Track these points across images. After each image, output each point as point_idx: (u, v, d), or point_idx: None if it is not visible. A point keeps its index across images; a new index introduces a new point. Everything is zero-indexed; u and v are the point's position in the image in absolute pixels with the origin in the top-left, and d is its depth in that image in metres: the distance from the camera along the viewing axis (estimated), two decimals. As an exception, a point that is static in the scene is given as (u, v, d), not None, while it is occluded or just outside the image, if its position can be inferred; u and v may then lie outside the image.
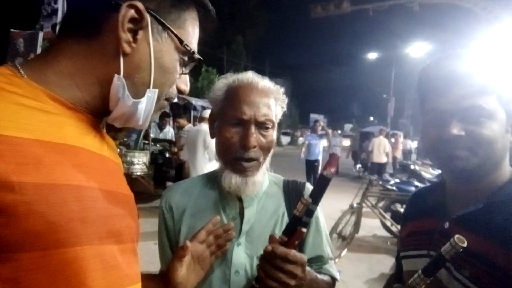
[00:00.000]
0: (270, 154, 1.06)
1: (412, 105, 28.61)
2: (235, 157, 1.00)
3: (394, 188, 5.65)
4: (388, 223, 5.23)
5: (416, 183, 6.05)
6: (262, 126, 1.01)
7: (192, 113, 10.12)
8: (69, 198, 0.53)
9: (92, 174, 0.59)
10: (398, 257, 1.06)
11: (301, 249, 1.08)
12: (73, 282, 0.52)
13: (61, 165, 0.54)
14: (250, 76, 1.05)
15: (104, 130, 0.72)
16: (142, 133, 6.77)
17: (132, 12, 0.59)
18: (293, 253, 0.85)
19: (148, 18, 0.61)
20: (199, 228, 1.02)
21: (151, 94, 0.65)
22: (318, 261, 1.11)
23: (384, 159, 10.77)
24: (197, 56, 0.71)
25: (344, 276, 4.31)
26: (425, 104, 0.90)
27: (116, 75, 0.61)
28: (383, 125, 23.67)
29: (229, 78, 1.07)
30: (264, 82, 1.05)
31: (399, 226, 5.05)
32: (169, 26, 0.64)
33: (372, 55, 25.66)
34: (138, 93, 0.64)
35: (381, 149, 10.81)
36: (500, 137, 0.81)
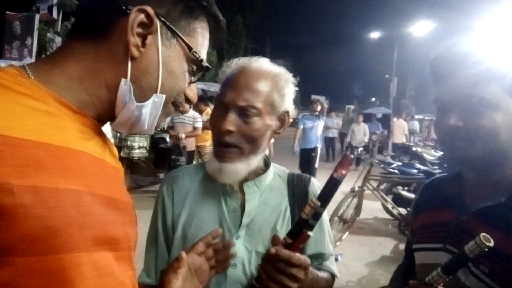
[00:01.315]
0: (263, 145, 1.00)
1: (415, 85, 28.39)
2: (216, 141, 0.99)
3: (396, 171, 5.64)
4: (390, 206, 5.25)
5: (418, 165, 6.05)
6: (243, 111, 0.94)
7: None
8: (69, 203, 0.52)
9: (93, 179, 0.58)
10: (409, 249, 1.04)
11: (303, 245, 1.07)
12: None
13: (62, 169, 0.53)
14: (247, 59, 1.01)
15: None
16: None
17: (142, 16, 0.60)
18: (297, 256, 0.83)
19: (158, 23, 0.62)
20: (199, 216, 1.01)
21: (158, 99, 0.65)
22: (319, 257, 1.08)
23: (403, 140, 11.75)
24: (205, 64, 0.71)
25: (345, 259, 4.35)
26: (436, 94, 0.88)
27: (123, 79, 0.61)
28: (385, 106, 23.52)
29: (236, 63, 1.03)
30: (258, 66, 0.99)
31: (400, 209, 5.08)
32: (178, 32, 0.65)
33: (374, 35, 25.29)
34: (144, 98, 0.64)
35: (401, 131, 11.90)
36: (504, 127, 0.78)
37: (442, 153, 7.74)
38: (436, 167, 6.08)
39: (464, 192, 0.91)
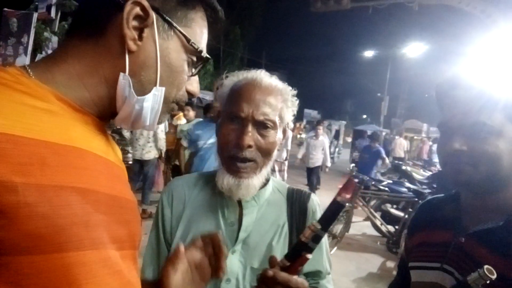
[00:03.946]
0: (272, 158, 1.00)
1: (406, 105, 28.81)
2: (230, 156, 0.96)
3: (386, 188, 5.68)
4: (378, 223, 5.26)
5: (408, 184, 6.10)
6: (261, 125, 0.95)
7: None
8: (73, 201, 0.52)
9: (97, 178, 0.58)
10: (404, 267, 1.05)
11: None
12: (73, 287, 0.50)
13: (66, 167, 0.53)
14: (256, 73, 1.02)
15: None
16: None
17: (137, 9, 0.59)
18: (295, 280, 0.81)
19: (154, 15, 0.61)
20: (195, 228, 0.99)
21: (158, 93, 0.64)
22: (315, 275, 1.07)
23: (402, 155, 13.87)
24: (205, 55, 0.70)
25: (333, 274, 4.29)
26: (441, 117, 0.91)
27: (121, 74, 0.61)
28: (376, 123, 23.82)
29: (237, 75, 1.03)
30: (269, 80, 1.01)
31: (389, 226, 5.10)
32: (175, 24, 0.64)
33: (368, 53, 25.67)
34: (144, 92, 0.63)
35: (401, 147, 14.02)
36: (506, 154, 0.81)
37: (430, 173, 7.87)
38: (425, 186, 6.15)
39: (462, 213, 0.93)
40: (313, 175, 8.01)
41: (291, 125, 1.08)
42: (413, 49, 19.87)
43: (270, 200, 1.06)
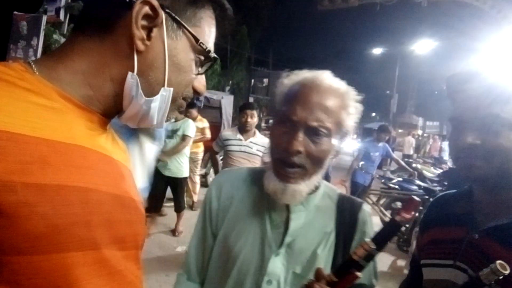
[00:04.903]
0: (325, 166, 0.94)
1: (415, 102, 28.55)
2: (278, 158, 0.92)
3: (396, 186, 5.63)
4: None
5: (418, 182, 6.04)
6: (313, 131, 0.89)
7: (196, 103, 10.04)
8: (75, 201, 0.51)
9: (100, 177, 0.57)
10: (416, 265, 1.03)
11: None
12: (74, 287, 0.50)
13: (68, 166, 0.52)
14: (317, 73, 0.95)
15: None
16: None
17: (146, 9, 0.58)
18: None
19: (163, 15, 0.60)
20: (241, 225, 0.98)
21: (166, 93, 0.63)
22: None
23: (411, 152, 15.28)
24: (213, 55, 0.68)
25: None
26: (452, 111, 0.89)
27: (129, 73, 0.60)
28: (385, 121, 23.64)
29: (298, 74, 0.98)
30: (330, 82, 0.93)
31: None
32: (184, 24, 0.63)
33: (377, 51, 25.51)
34: (152, 92, 0.62)
35: (410, 144, 15.62)
36: None
37: (441, 170, 7.77)
38: (435, 184, 6.07)
39: (474, 209, 0.91)
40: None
41: (352, 130, 0.99)
42: (422, 46, 19.71)
43: (319, 206, 1.01)
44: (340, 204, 1.03)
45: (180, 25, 0.62)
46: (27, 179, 0.46)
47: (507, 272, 0.66)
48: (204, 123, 5.96)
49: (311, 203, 1.00)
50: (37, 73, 0.56)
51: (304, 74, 0.97)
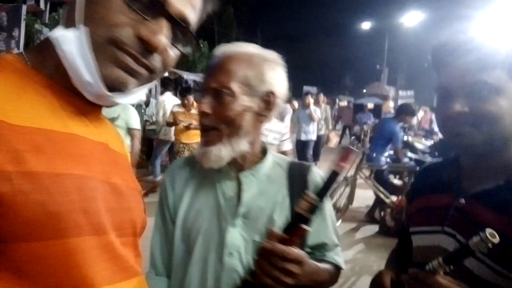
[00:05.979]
0: (242, 127, 0.96)
1: (405, 75, 28.50)
2: (200, 126, 1.00)
3: (388, 159, 5.69)
4: (381, 195, 5.30)
5: (409, 154, 6.10)
6: (216, 93, 0.95)
7: (191, 89, 9.90)
8: (71, 188, 0.52)
9: (95, 165, 0.57)
10: (405, 233, 1.05)
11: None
12: (76, 272, 0.51)
13: (62, 154, 0.52)
14: (234, 45, 1.01)
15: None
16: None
17: None
18: (292, 251, 0.81)
19: None
20: (197, 205, 1.01)
21: (79, 34, 0.54)
22: (321, 248, 1.07)
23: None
24: None
25: (339, 247, 4.41)
26: (438, 81, 0.89)
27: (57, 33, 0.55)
28: (377, 96, 23.61)
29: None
30: (235, 48, 0.99)
31: (393, 197, 5.14)
32: None
33: (365, 25, 25.31)
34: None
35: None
36: (508, 113, 0.79)
37: (432, 142, 7.84)
38: (426, 155, 6.14)
39: (461, 176, 0.92)
40: (305, 149, 7.46)
41: (282, 94, 1.02)
42: (411, 18, 19.54)
43: (270, 174, 1.05)
44: (290, 171, 1.07)
45: None
46: (21, 168, 0.47)
47: (496, 240, 0.66)
48: None
49: (261, 172, 1.04)
50: (29, 63, 0.57)
51: (222, 47, 1.02)
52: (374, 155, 5.33)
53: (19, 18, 6.42)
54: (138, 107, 6.46)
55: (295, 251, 0.82)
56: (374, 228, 5.13)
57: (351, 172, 5.05)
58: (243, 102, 0.96)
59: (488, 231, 0.67)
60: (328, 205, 1.10)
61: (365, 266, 3.96)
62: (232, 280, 0.94)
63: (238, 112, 0.95)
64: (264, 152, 1.09)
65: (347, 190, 4.98)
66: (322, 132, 8.45)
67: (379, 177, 5.38)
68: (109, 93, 0.57)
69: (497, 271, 0.77)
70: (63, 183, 0.51)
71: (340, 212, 4.93)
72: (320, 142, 8.02)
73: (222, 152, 0.96)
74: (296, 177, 1.06)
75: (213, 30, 17.21)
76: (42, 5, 7.11)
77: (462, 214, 0.87)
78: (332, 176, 0.79)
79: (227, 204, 1.01)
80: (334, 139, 7.65)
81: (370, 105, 17.08)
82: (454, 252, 0.75)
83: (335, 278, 1.07)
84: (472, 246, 0.69)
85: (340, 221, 4.91)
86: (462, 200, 0.87)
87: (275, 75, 1.00)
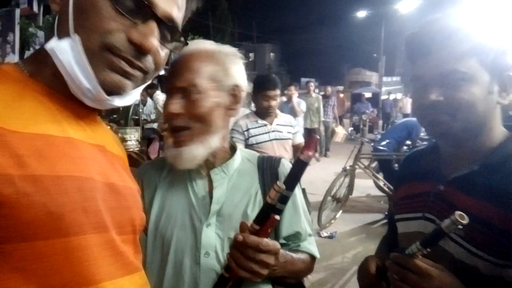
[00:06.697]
0: (213, 123, 0.96)
1: (403, 63, 28.38)
2: (169, 129, 0.98)
3: (385, 148, 5.71)
4: (381, 183, 5.34)
5: (408, 141, 6.12)
6: (185, 92, 0.93)
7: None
8: (71, 189, 0.54)
9: (93, 167, 0.60)
10: (392, 220, 1.09)
11: (277, 227, 1.03)
12: (79, 269, 0.54)
13: (62, 158, 0.55)
14: (195, 42, 1.00)
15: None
16: (131, 110, 6.64)
17: None
18: (266, 242, 0.81)
19: None
20: (168, 207, 0.99)
21: (71, 42, 0.57)
22: (295, 238, 1.07)
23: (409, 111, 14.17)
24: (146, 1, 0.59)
25: (340, 236, 4.46)
26: (412, 71, 0.91)
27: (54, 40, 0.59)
28: (375, 85, 23.50)
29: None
30: (196, 46, 0.98)
31: (391, 185, 5.17)
32: None
33: (361, 13, 25.09)
34: None
35: (408, 105, 14.60)
36: (481, 100, 0.82)
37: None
38: (425, 142, 6.17)
39: (441, 163, 0.95)
40: None
41: (246, 87, 1.03)
42: (406, 4, 19.41)
43: (240, 170, 1.06)
44: (260, 165, 1.08)
45: None
46: (24, 171, 0.50)
47: (465, 221, 0.70)
48: None
49: (231, 168, 1.04)
50: (25, 71, 0.60)
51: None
52: (383, 144, 5.35)
53: (13, 22, 6.40)
54: (135, 106, 6.48)
55: (269, 241, 0.82)
56: (375, 217, 5.18)
57: (350, 162, 5.08)
58: (213, 97, 0.96)
59: (457, 213, 0.71)
60: (299, 196, 1.11)
61: (366, 255, 3.98)
62: (211, 281, 0.93)
63: (209, 108, 0.95)
64: (233, 148, 1.09)
65: (347, 180, 5.01)
66: (315, 125, 8.07)
67: (386, 167, 5.39)
68: (108, 97, 0.60)
69: (473, 253, 0.80)
70: (63, 185, 0.54)
71: (341, 202, 4.97)
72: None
73: (195, 152, 0.95)
74: (267, 171, 1.06)
75: (208, 25, 17.12)
76: (35, 8, 7.07)
77: (441, 200, 0.90)
78: (299, 165, 0.80)
79: (200, 204, 0.99)
80: (341, 133, 7.20)
81: (368, 94, 17.03)
82: (429, 235, 0.78)
83: (311, 267, 1.09)
84: (444, 229, 0.73)
85: (340, 211, 4.96)
86: (441, 187, 0.91)
87: (238, 69, 1.01)
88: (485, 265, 0.79)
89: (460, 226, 0.71)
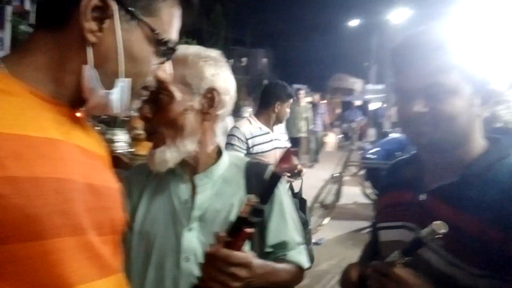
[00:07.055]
0: (184, 127, 0.96)
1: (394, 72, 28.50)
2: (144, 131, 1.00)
3: (375, 156, 5.77)
4: (368, 191, 5.39)
5: (397, 153, 6.18)
6: (155, 96, 0.92)
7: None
8: (49, 191, 0.54)
9: (73, 167, 0.60)
10: (375, 228, 1.10)
11: (263, 235, 1.03)
12: (54, 272, 0.54)
13: (41, 159, 0.55)
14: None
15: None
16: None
17: (95, 0, 0.58)
18: (235, 255, 0.81)
19: (115, 6, 0.60)
20: (153, 210, 1.01)
21: (123, 84, 0.64)
22: (282, 247, 1.05)
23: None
24: (171, 45, 0.68)
25: (327, 243, 4.49)
26: (396, 82, 0.93)
27: (86, 66, 0.61)
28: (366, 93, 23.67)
29: None
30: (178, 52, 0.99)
31: (378, 193, 5.21)
32: (138, 14, 0.62)
33: (353, 23, 25.41)
34: (109, 83, 0.63)
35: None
36: (463, 112, 0.84)
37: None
38: (414, 151, 6.23)
39: (423, 173, 0.97)
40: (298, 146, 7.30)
41: (225, 90, 1.01)
42: (398, 15, 19.72)
43: (225, 176, 1.05)
44: (247, 171, 1.07)
45: (134, 15, 0.62)
46: (1, 173, 0.49)
47: (443, 231, 0.72)
48: None
49: (215, 174, 1.04)
50: (6, 70, 0.58)
51: None
52: (372, 152, 5.42)
53: (4, 19, 6.34)
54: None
55: (239, 254, 0.82)
56: (362, 224, 5.21)
57: (338, 169, 5.12)
58: (184, 101, 0.95)
59: (436, 223, 0.73)
60: (288, 205, 1.10)
61: (352, 261, 4.03)
62: (190, 285, 0.91)
63: (179, 113, 0.95)
64: (219, 153, 1.08)
65: (335, 187, 5.05)
66: (303, 133, 7.95)
67: (373, 175, 5.40)
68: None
69: (451, 262, 0.82)
70: (42, 187, 0.53)
71: (329, 209, 5.00)
72: (299, 145, 7.43)
73: (167, 155, 0.95)
74: (253, 177, 1.05)
75: (201, 29, 17.12)
76: (27, 6, 7.03)
77: (422, 209, 0.92)
78: (274, 179, 0.80)
79: (182, 208, 1.00)
80: (332, 142, 7.18)
81: (358, 102, 17.19)
82: (409, 244, 0.80)
83: (299, 277, 1.07)
84: (423, 238, 0.74)
85: (328, 218, 4.99)
86: (423, 196, 0.93)
87: (216, 72, 0.99)
88: (462, 275, 0.80)
89: (439, 236, 0.72)
